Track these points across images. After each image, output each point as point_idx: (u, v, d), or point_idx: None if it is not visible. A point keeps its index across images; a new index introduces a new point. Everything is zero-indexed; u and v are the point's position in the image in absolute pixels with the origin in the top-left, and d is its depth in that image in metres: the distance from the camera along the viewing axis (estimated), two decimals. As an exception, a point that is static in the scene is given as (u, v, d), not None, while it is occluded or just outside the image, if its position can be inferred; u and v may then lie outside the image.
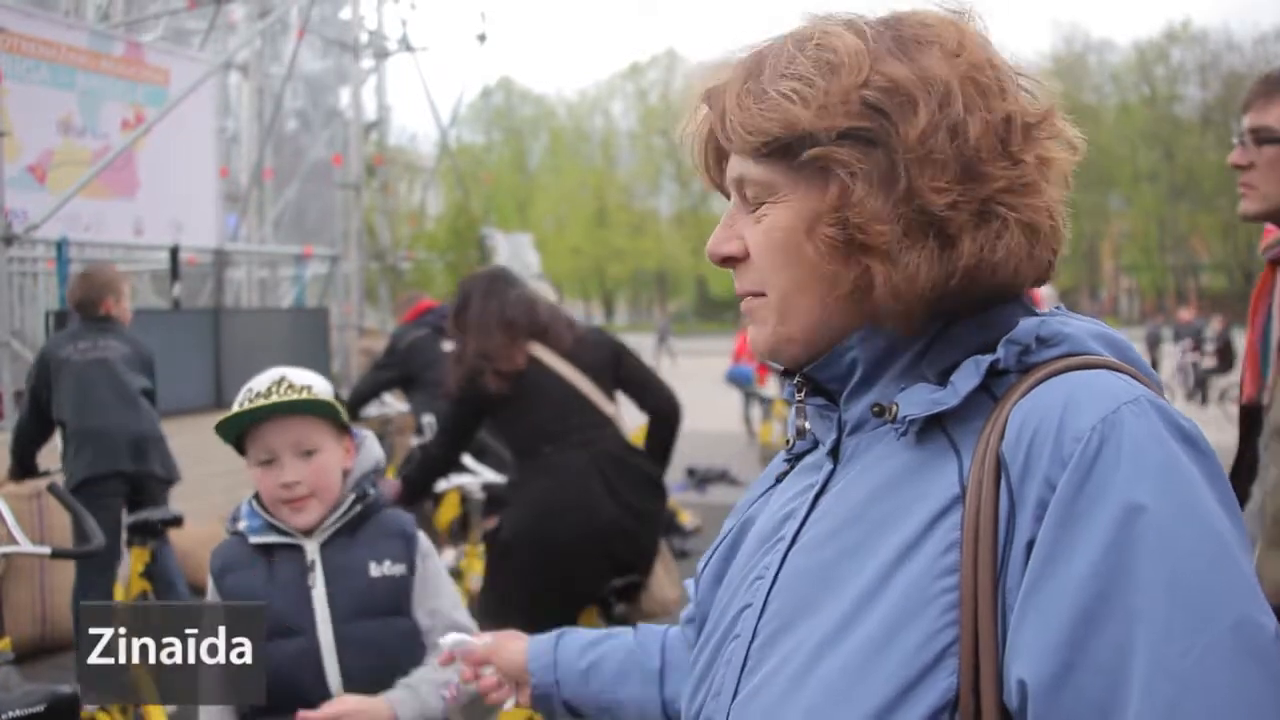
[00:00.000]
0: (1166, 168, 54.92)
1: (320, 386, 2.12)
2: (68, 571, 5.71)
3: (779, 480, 1.14)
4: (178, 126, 8.24)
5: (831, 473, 1.03)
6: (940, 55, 0.95)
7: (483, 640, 1.58)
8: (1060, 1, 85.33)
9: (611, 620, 3.89)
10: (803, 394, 1.06)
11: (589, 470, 3.71)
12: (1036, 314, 0.98)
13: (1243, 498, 2.32)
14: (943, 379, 0.94)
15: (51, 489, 3.97)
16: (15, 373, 7.62)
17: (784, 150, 0.96)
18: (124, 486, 5.01)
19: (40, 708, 2.41)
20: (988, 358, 0.92)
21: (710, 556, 1.19)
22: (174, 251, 8.13)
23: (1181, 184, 54.45)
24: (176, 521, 4.75)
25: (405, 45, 13.42)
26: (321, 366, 9.49)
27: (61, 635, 5.90)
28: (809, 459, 1.09)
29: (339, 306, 11.17)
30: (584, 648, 1.46)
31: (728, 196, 1.08)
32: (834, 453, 1.04)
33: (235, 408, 2.10)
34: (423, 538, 2.24)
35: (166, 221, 8.52)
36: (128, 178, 8.21)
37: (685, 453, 12.30)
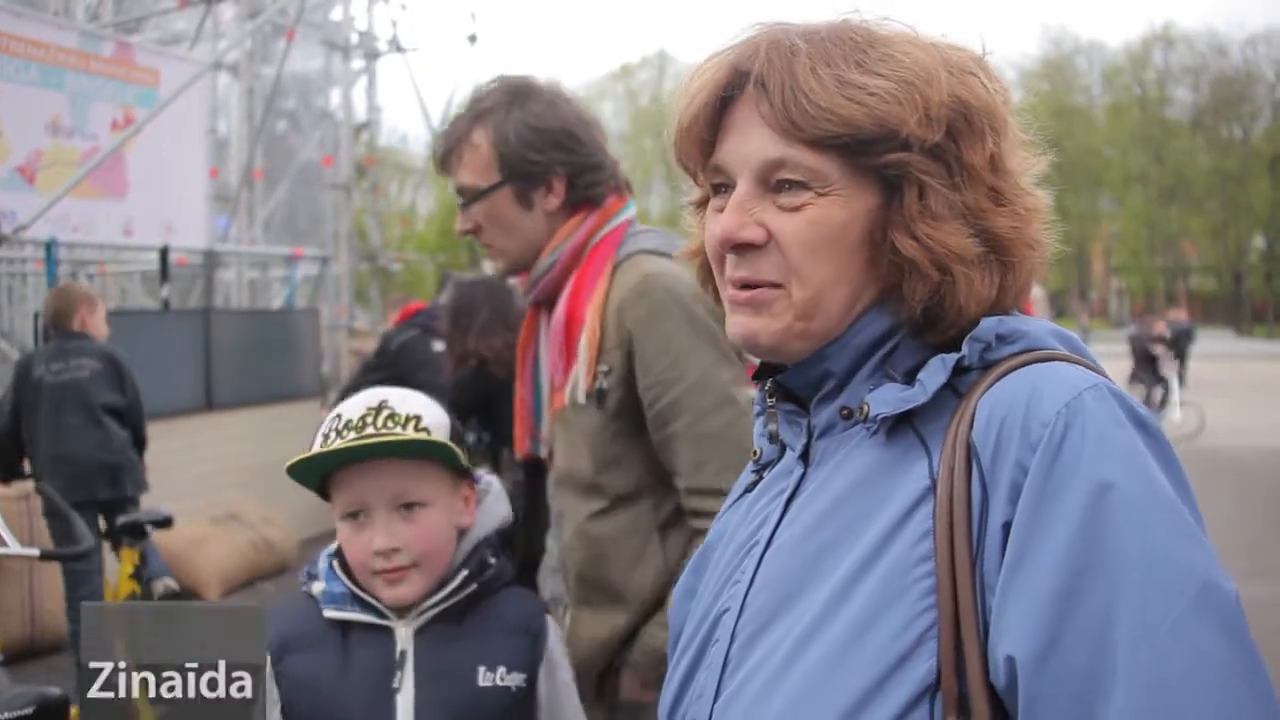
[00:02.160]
0: (1156, 170, 55.13)
1: (432, 417, 1.63)
2: (57, 573, 5.69)
3: (748, 490, 1.15)
4: (168, 127, 8.21)
5: (802, 476, 1.04)
6: (983, 87, 0.99)
7: None
8: (1049, 5, 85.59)
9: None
10: (774, 400, 1.08)
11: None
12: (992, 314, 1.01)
13: (537, 550, 2.28)
14: (909, 379, 0.97)
15: (40, 490, 3.96)
16: (4, 373, 7.60)
17: (858, 146, 0.95)
18: (97, 511, 5.03)
19: (29, 710, 2.40)
20: (953, 355, 0.95)
21: (683, 573, 1.20)
22: (164, 252, 8.10)
23: (1171, 186, 54.64)
24: (166, 523, 4.74)
25: (396, 46, 13.41)
26: (312, 368, 9.47)
27: (51, 637, 5.89)
28: (778, 466, 1.10)
29: (329, 308, 11.16)
30: None
31: (695, 180, 1.08)
32: (804, 456, 1.05)
33: (319, 441, 1.61)
34: (553, 635, 1.71)
35: (156, 222, 8.50)
36: (117, 178, 8.18)
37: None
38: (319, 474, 1.61)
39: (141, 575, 4.72)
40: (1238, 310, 53.38)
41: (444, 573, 1.63)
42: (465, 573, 1.63)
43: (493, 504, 1.75)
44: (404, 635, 1.61)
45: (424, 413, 1.61)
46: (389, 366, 6.69)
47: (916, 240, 0.95)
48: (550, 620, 1.71)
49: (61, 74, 7.63)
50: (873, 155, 0.95)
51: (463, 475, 1.67)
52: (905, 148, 0.94)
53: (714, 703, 0.99)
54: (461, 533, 1.67)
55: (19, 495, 5.79)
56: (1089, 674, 0.80)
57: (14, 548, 3.57)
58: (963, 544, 0.87)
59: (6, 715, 2.36)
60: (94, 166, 7.39)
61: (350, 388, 7.25)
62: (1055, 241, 1.03)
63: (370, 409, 1.60)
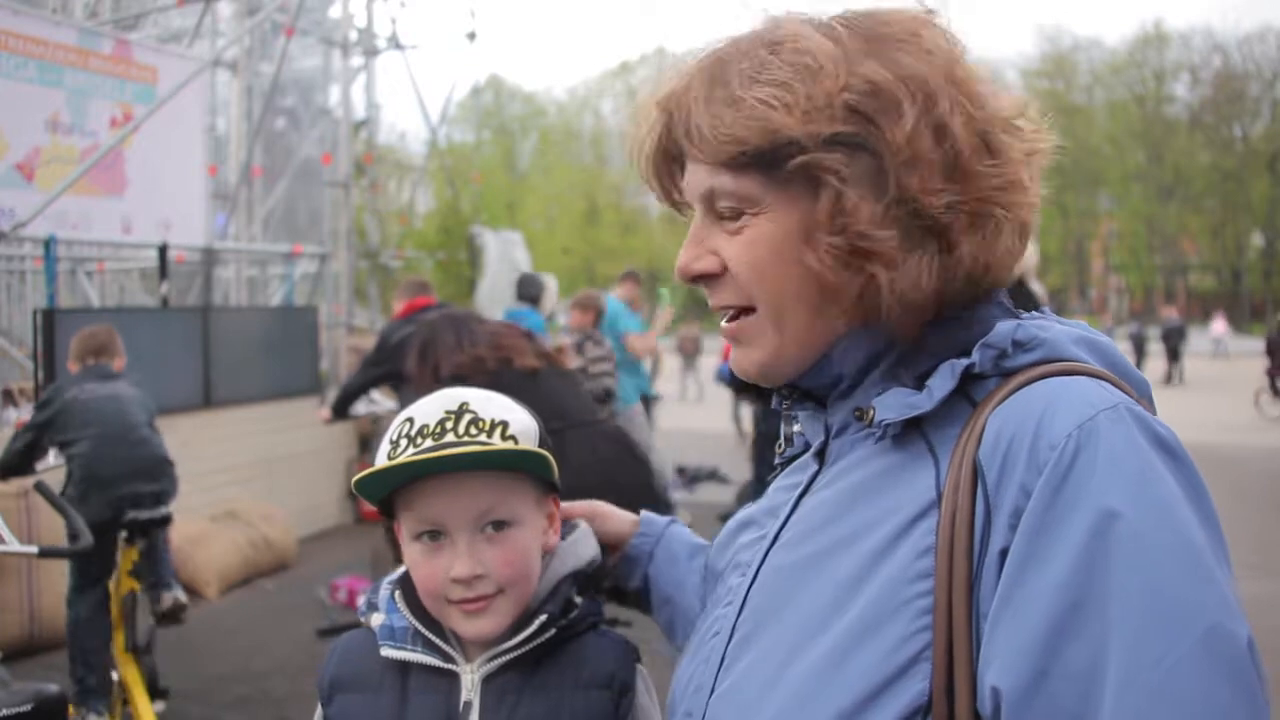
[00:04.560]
0: (1155, 168, 55.13)
1: (519, 422, 1.39)
2: (56, 571, 5.69)
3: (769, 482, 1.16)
4: (166, 124, 8.21)
5: (816, 474, 1.04)
6: (915, 54, 0.94)
7: (583, 506, 1.52)
8: (1046, 4, 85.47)
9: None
10: (790, 402, 1.07)
11: (615, 440, 3.87)
12: (1015, 316, 0.98)
13: None
14: (920, 383, 0.94)
15: (39, 488, 3.96)
16: (3, 370, 7.60)
17: (764, 159, 0.93)
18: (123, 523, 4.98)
19: (28, 707, 2.40)
20: (963, 362, 0.92)
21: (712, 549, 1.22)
22: (162, 250, 8.10)
23: (1170, 184, 54.65)
24: (164, 521, 4.74)
25: (395, 43, 13.37)
26: (310, 366, 9.47)
27: (50, 634, 5.89)
28: (800, 459, 1.11)
29: (328, 305, 11.15)
30: (692, 544, 1.47)
31: (679, 210, 1.08)
32: (820, 455, 1.04)
33: (385, 448, 1.37)
34: (642, 687, 1.44)
35: (155, 220, 8.50)
36: (116, 176, 8.17)
37: (675, 451, 12.28)
38: (387, 488, 1.37)
39: (141, 573, 4.71)
40: (1236, 308, 53.40)
41: (530, 603, 1.39)
42: (544, 617, 1.38)
43: (581, 538, 1.51)
44: (470, 682, 1.37)
45: (510, 417, 1.37)
46: (388, 361, 6.71)
47: (848, 239, 0.92)
48: (640, 670, 1.45)
49: (60, 71, 7.62)
50: (779, 165, 0.93)
51: (549, 489, 1.44)
52: (802, 150, 0.91)
53: (709, 697, 0.99)
54: (544, 554, 1.43)
55: (18, 493, 5.78)
56: (1075, 713, 0.76)
57: (13, 545, 3.58)
58: (961, 566, 0.84)
59: (5, 712, 2.36)
60: (93, 164, 7.38)
61: (350, 383, 7.26)
62: (1031, 203, 0.96)
63: (449, 412, 1.35)
